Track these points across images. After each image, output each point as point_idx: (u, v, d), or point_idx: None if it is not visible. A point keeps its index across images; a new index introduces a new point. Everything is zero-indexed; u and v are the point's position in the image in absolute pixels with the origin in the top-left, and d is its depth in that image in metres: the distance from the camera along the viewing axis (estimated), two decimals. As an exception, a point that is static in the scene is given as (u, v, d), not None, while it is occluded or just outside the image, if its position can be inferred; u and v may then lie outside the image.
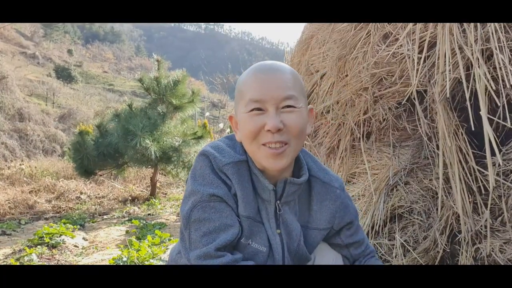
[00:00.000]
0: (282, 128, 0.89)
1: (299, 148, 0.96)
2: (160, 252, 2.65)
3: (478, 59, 1.49)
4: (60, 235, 3.38)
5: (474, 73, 1.50)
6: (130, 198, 6.64)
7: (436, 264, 1.59)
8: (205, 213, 0.91)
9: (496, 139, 1.49)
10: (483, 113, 1.44)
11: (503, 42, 1.46)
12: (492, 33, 1.48)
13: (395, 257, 1.68)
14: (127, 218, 4.99)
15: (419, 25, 1.75)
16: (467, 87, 1.51)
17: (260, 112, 0.90)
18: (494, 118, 1.52)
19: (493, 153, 1.51)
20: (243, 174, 0.94)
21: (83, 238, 3.64)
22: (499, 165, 1.50)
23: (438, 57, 1.62)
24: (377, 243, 1.77)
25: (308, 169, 1.03)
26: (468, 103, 1.48)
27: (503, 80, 1.45)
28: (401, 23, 1.86)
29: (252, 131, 0.91)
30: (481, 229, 1.49)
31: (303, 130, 0.94)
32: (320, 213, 1.03)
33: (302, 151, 1.05)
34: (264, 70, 0.93)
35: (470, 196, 1.55)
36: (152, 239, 3.10)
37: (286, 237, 0.99)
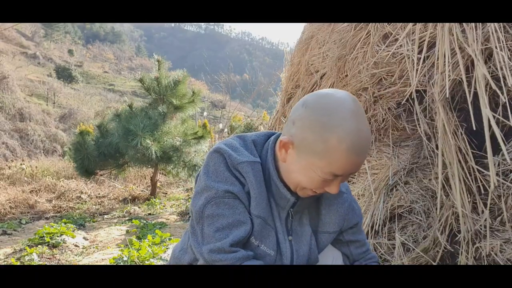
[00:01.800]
0: None
1: None
2: (160, 252, 2.65)
3: (478, 59, 1.49)
4: (61, 234, 3.38)
5: (473, 73, 1.50)
6: (130, 198, 6.64)
7: (435, 264, 1.59)
8: (219, 209, 0.92)
9: (503, 136, 1.49)
10: (488, 112, 1.44)
11: (502, 42, 1.46)
12: (492, 33, 1.48)
13: (395, 256, 1.68)
14: (127, 218, 4.99)
15: (419, 25, 1.75)
16: (467, 87, 1.51)
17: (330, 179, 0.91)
18: (496, 115, 1.52)
19: (494, 153, 1.51)
20: (257, 174, 0.95)
21: (84, 238, 3.64)
22: (503, 162, 1.50)
23: (438, 57, 1.63)
24: (377, 243, 1.77)
25: None
26: (468, 103, 1.49)
27: (503, 80, 1.45)
28: (401, 23, 1.86)
29: (311, 187, 0.93)
30: (481, 228, 1.49)
31: None
32: (329, 217, 1.05)
33: None
34: (359, 152, 0.86)
35: (469, 196, 1.55)
36: (153, 238, 3.10)
37: (296, 244, 1.01)
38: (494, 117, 1.53)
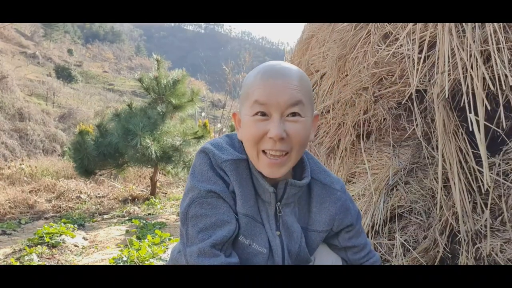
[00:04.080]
0: (284, 137, 0.87)
1: (299, 157, 0.94)
2: (160, 252, 2.65)
3: (477, 59, 1.49)
4: (60, 234, 3.38)
5: (472, 73, 1.50)
6: (130, 197, 6.64)
7: (436, 264, 1.59)
8: (202, 209, 0.91)
9: (484, 143, 1.49)
10: (472, 116, 1.44)
11: (502, 43, 1.46)
12: (491, 34, 1.48)
13: (395, 256, 1.68)
14: (127, 218, 4.99)
15: (419, 25, 1.75)
16: (466, 87, 1.51)
17: (264, 118, 0.88)
18: (488, 124, 1.52)
19: (493, 154, 1.51)
20: (241, 172, 0.94)
21: (83, 238, 3.64)
22: (503, 162, 1.50)
23: (438, 57, 1.62)
24: (377, 243, 1.77)
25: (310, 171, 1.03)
26: (466, 103, 1.48)
27: (501, 81, 1.45)
28: (401, 23, 1.86)
29: (254, 137, 0.89)
30: (481, 228, 1.49)
31: (306, 139, 0.92)
32: (320, 215, 1.03)
33: (305, 152, 1.03)
34: (272, 73, 0.89)
35: (469, 196, 1.55)
36: (152, 238, 3.10)
37: (286, 239, 0.99)
38: (491, 120, 1.53)
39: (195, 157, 0.97)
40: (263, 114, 0.88)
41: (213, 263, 0.88)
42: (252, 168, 0.95)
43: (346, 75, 2.14)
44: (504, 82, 1.45)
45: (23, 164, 8.93)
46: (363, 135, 2.06)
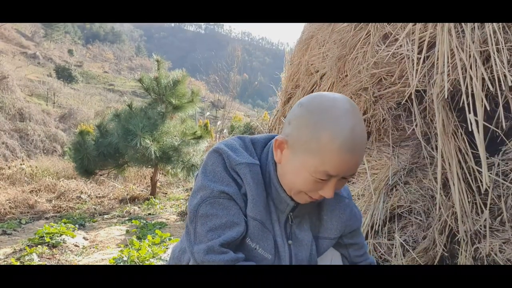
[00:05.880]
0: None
1: None
2: (160, 252, 2.65)
3: (476, 60, 1.49)
4: (61, 234, 3.38)
5: (472, 74, 1.50)
6: (130, 197, 6.64)
7: (435, 264, 1.59)
8: (213, 209, 0.91)
9: (483, 144, 1.50)
10: (471, 116, 1.44)
11: (501, 44, 1.47)
12: (490, 34, 1.48)
13: (395, 256, 1.68)
14: (127, 218, 4.99)
15: (419, 26, 1.75)
16: (465, 88, 1.51)
17: (324, 180, 0.89)
18: (488, 124, 1.52)
19: (492, 154, 1.51)
20: (255, 176, 0.94)
21: (84, 238, 3.64)
22: (502, 163, 1.50)
23: (437, 58, 1.63)
24: (376, 243, 1.77)
25: None
26: (465, 104, 1.49)
27: (500, 81, 1.45)
28: (400, 23, 1.86)
29: (306, 190, 0.91)
30: (481, 229, 1.49)
31: None
32: (331, 222, 1.05)
33: None
34: (351, 147, 0.84)
35: (469, 196, 1.55)
36: (153, 238, 3.10)
37: (295, 248, 1.01)
38: (490, 120, 1.54)
39: (207, 156, 0.97)
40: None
41: (223, 259, 0.88)
42: (274, 180, 0.96)
43: (346, 76, 2.14)
44: (504, 82, 1.45)
45: (24, 164, 8.93)
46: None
